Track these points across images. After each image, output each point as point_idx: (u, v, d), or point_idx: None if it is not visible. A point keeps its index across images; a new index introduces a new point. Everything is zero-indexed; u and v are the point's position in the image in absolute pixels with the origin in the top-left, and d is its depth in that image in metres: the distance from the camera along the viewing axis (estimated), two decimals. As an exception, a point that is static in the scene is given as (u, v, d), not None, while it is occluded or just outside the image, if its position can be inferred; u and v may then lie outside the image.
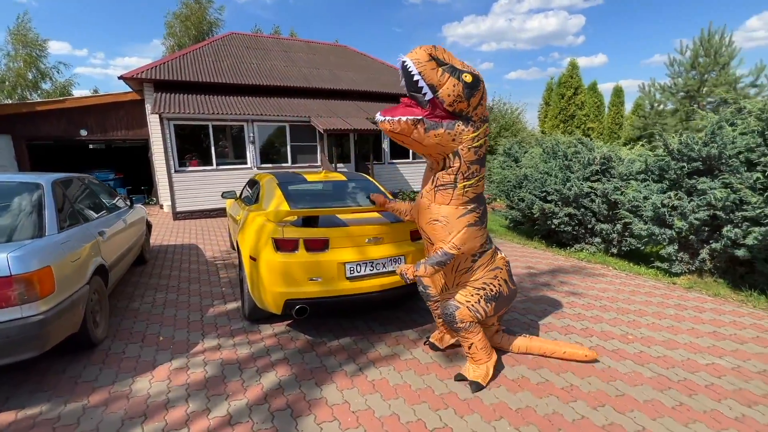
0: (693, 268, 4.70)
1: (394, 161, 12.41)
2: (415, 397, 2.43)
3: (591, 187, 5.68)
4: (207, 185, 9.59)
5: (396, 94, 13.63)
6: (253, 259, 2.99)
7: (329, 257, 2.87)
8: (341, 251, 2.92)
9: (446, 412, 2.29)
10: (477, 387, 2.46)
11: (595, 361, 2.83)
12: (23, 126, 9.72)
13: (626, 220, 5.20)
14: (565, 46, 77.75)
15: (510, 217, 7.54)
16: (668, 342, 3.13)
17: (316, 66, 14.05)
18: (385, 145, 12.18)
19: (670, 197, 4.52)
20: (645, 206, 4.83)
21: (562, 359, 2.82)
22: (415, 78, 1.97)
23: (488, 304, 2.50)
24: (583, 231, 6.06)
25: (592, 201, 5.74)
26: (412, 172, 12.77)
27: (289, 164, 10.58)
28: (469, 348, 2.53)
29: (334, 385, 2.56)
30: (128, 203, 4.90)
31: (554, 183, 6.01)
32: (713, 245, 4.37)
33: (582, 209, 5.85)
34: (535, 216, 6.35)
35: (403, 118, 2.05)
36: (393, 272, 3.07)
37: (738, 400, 2.39)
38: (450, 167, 2.24)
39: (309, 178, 4.05)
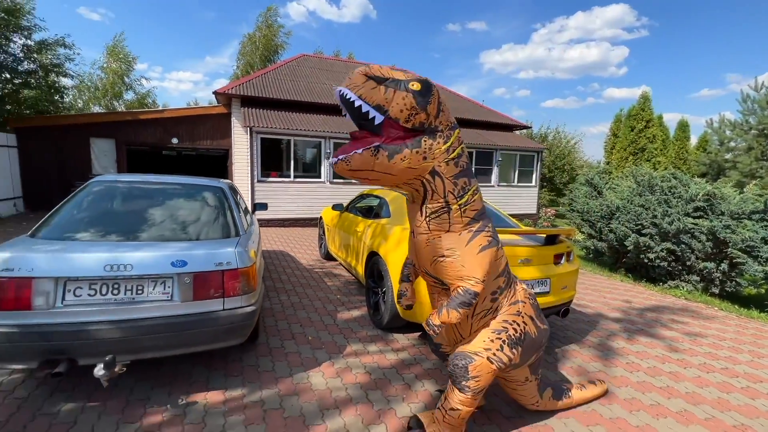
0: (817, 316, 4.48)
1: (456, 183, 12.59)
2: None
3: (694, 224, 5.57)
4: (284, 195, 10.12)
5: (457, 119, 13.93)
6: (408, 270, 3.19)
7: (486, 274, 3.02)
8: (496, 270, 3.06)
9: (626, 436, 2.33)
10: None
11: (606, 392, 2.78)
12: (125, 132, 10.73)
13: (738, 259, 5.05)
14: (606, 76, 76.35)
15: (590, 247, 7.45)
16: (826, 391, 3.02)
17: (382, 88, 14.64)
18: (449, 168, 12.41)
19: (796, 240, 4.39)
20: (763, 248, 4.69)
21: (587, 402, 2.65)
22: (357, 104, 1.65)
23: (513, 350, 2.02)
24: (679, 268, 5.91)
25: (694, 237, 5.62)
26: (472, 196, 12.87)
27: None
28: (451, 410, 2.02)
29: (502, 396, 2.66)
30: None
31: (652, 217, 5.94)
32: None
33: (682, 245, 5.72)
34: (627, 249, 6.26)
35: (358, 151, 1.69)
36: (539, 293, 3.18)
37: None
38: (434, 191, 1.85)
39: (434, 197, 4.27)
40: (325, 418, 2.35)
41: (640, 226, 6.16)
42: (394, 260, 3.39)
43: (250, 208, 5.50)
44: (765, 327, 4.44)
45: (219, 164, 15.63)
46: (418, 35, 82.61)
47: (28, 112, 10.92)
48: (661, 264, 5.94)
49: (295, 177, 10.35)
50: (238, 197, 3.88)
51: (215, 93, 10.69)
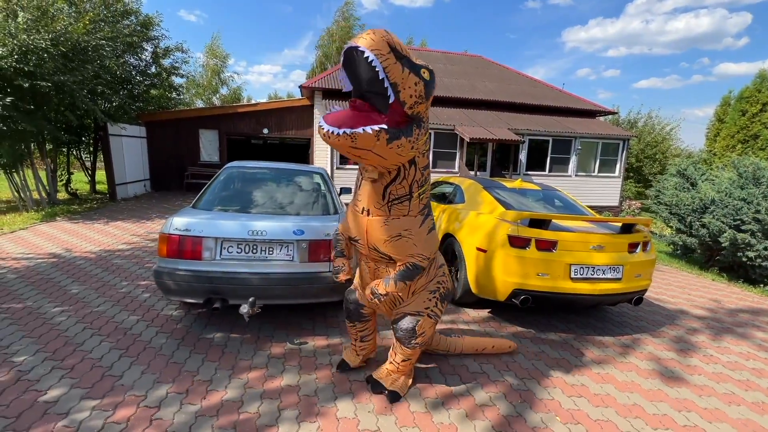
0: None
1: (530, 172, 12.28)
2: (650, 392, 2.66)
3: (808, 221, 5.01)
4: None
5: (530, 105, 13.46)
6: (482, 250, 3.53)
7: (557, 257, 3.24)
8: (567, 253, 3.27)
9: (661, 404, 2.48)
10: (395, 397, 2.37)
11: (516, 351, 3.10)
12: (226, 124, 12.31)
13: None
14: (719, 49, 65.54)
15: (679, 243, 6.96)
16: None
17: (455, 76, 14.64)
18: (522, 156, 12.14)
19: None
20: None
21: (491, 354, 3.03)
22: (381, 76, 1.56)
23: (443, 303, 2.37)
24: (787, 269, 5.36)
25: (807, 236, 5.06)
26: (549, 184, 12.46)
27: (431, 168, 11.30)
28: (403, 362, 2.36)
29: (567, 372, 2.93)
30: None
31: (755, 212, 5.44)
32: None
33: (790, 244, 5.19)
34: (722, 246, 5.81)
35: (367, 129, 1.60)
36: (610, 279, 3.31)
37: None
38: (404, 178, 1.92)
39: (508, 185, 4.50)
40: (409, 365, 2.84)
41: (739, 222, 5.67)
42: (469, 242, 3.75)
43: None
44: None
45: (300, 152, 17.03)
46: (494, 16, 78.81)
47: (151, 108, 13.03)
48: (764, 264, 5.44)
49: (369, 164, 11.02)
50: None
51: (301, 87, 11.71)
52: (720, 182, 6.25)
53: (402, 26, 63.78)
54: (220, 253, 2.86)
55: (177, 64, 12.18)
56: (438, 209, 4.88)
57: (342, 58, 1.60)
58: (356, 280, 2.57)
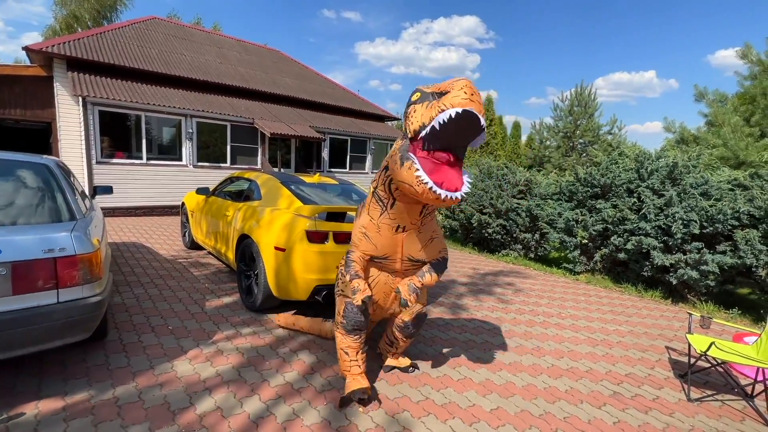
0: (589, 268, 6.24)
1: (333, 170, 12.83)
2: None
3: (517, 203, 7.02)
4: (134, 180, 8.73)
5: (330, 105, 14.11)
6: (280, 249, 3.26)
7: (354, 249, 3.31)
8: (363, 244, 3.38)
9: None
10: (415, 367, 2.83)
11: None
12: None
13: (544, 230, 6.61)
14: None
15: (446, 226, 8.64)
16: (587, 317, 4.30)
17: (252, 67, 13.76)
18: (325, 154, 12.54)
19: (577, 213, 5.99)
20: (559, 220, 6.26)
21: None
22: (484, 138, 1.98)
23: None
24: (509, 239, 7.38)
25: (518, 215, 7.09)
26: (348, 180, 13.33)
27: (228, 164, 10.21)
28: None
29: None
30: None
31: (490, 199, 7.24)
32: (603, 250, 5.92)
33: (510, 221, 7.16)
34: (473, 226, 7.50)
35: (470, 181, 2.02)
36: (400, 264, 3.64)
37: (636, 349, 3.54)
38: None
39: (307, 180, 4.38)
40: (194, 401, 2.30)
41: (482, 207, 7.44)
42: (266, 241, 3.41)
43: (88, 192, 4.65)
44: (559, 280, 5.96)
45: (36, 140, 12.44)
46: (293, 16, 79.54)
47: None
48: (496, 237, 7.31)
49: (148, 159, 9.01)
50: (72, 178, 3.28)
51: (26, 49, 8.39)
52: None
53: (191, 3, 55.88)
54: None
55: None
56: (232, 208, 4.32)
57: (461, 121, 1.77)
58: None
